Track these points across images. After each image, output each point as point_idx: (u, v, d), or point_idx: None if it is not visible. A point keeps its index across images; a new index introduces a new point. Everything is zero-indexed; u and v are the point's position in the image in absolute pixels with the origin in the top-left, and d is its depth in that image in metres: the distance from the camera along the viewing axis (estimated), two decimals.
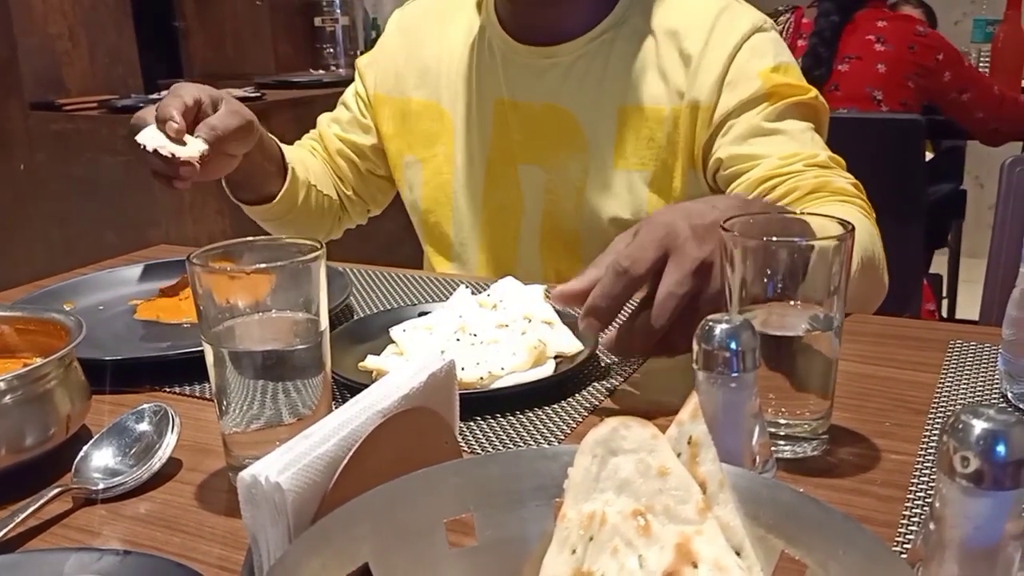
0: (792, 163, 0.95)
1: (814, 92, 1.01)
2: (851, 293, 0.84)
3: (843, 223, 0.58)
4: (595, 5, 1.05)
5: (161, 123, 0.88)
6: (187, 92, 0.92)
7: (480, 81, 1.10)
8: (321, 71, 4.90)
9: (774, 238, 0.58)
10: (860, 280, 0.84)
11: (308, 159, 1.22)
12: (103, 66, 3.51)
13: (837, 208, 0.89)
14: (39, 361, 0.58)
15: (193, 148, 0.87)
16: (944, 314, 2.73)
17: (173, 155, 0.86)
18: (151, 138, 0.87)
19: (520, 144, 1.09)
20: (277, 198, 1.12)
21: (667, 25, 1.03)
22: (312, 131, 1.29)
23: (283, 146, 1.17)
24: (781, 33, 2.26)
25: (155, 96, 3.38)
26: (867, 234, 0.88)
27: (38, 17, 3.28)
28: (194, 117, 0.91)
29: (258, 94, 3.62)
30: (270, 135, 1.13)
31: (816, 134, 1.00)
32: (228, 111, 0.93)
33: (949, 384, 0.69)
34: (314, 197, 1.19)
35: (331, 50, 5.35)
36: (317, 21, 5.34)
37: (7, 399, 0.55)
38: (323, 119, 1.28)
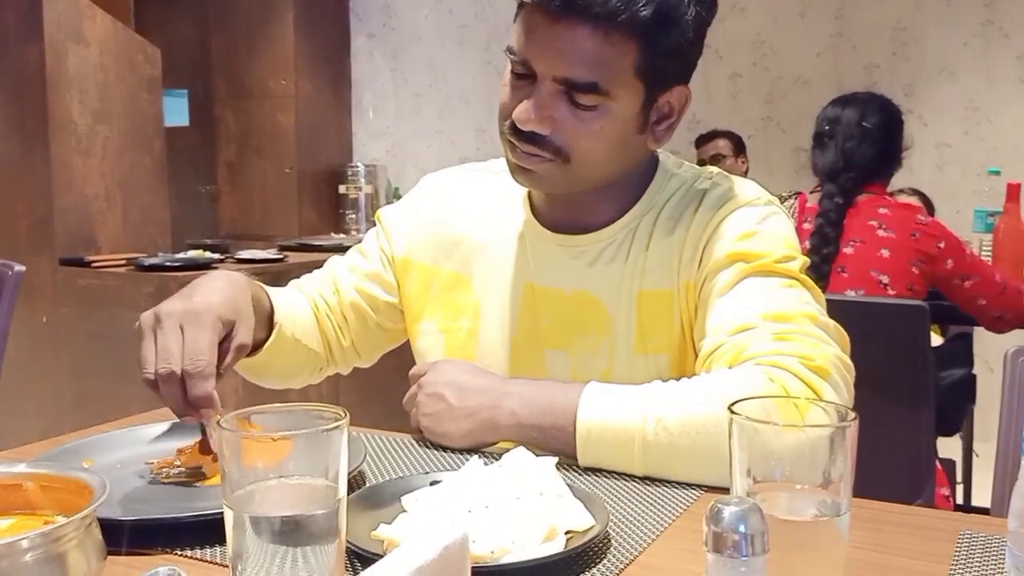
0: (717, 337, 0.97)
1: (779, 255, 1.01)
2: (668, 462, 0.89)
3: (839, 411, 0.60)
4: (625, 197, 1.10)
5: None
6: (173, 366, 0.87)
7: (510, 265, 1.14)
8: (342, 235, 5.08)
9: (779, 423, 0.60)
10: (679, 448, 0.87)
11: (297, 312, 1.18)
12: (135, 225, 3.66)
13: (697, 380, 0.93)
14: (61, 520, 0.60)
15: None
16: (960, 500, 2.68)
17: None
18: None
19: (548, 329, 1.11)
20: (257, 355, 1.10)
21: (674, 209, 1.09)
22: (318, 273, 1.26)
23: (275, 298, 1.13)
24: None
25: (181, 255, 3.50)
26: (700, 394, 0.89)
27: (77, 178, 3.44)
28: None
29: (280, 256, 3.74)
30: (260, 287, 1.10)
31: (774, 289, 0.99)
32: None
33: None
34: (300, 353, 1.18)
35: (353, 216, 5.57)
36: (341, 189, 5.59)
37: (28, 557, 0.56)
38: (338, 266, 1.25)
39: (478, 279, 1.16)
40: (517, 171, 1.05)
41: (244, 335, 0.96)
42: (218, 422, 0.58)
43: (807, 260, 1.05)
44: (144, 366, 0.88)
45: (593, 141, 1.00)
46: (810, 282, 1.03)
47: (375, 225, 1.27)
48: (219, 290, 0.96)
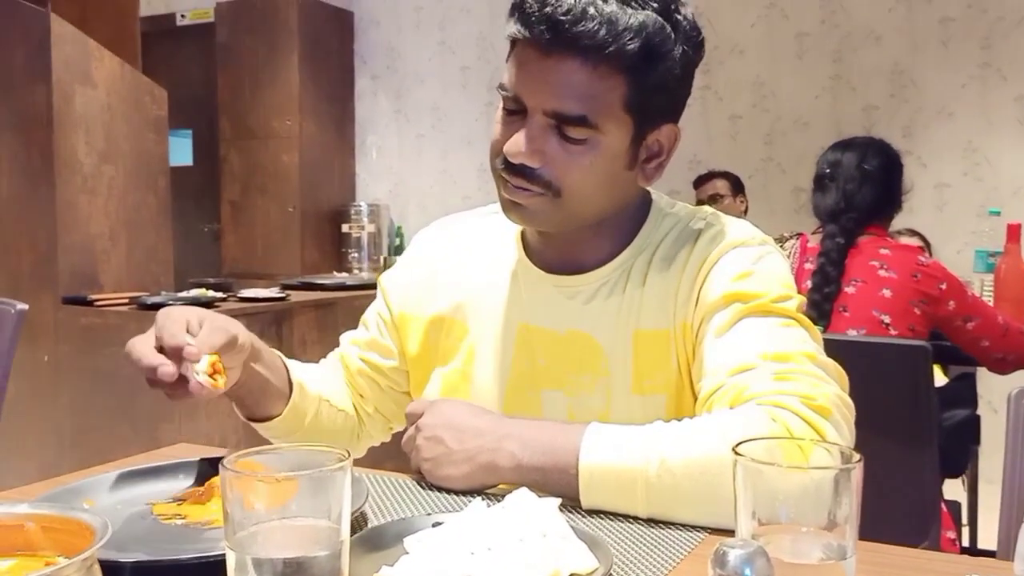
0: (717, 378, 0.97)
1: (775, 295, 1.01)
2: (672, 503, 0.88)
3: (844, 453, 0.60)
4: (618, 237, 1.11)
5: (175, 352, 0.94)
6: (177, 316, 0.98)
7: (504, 306, 1.14)
8: (345, 274, 5.09)
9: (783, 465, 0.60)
10: (682, 489, 0.87)
11: (326, 373, 1.25)
12: (138, 264, 3.67)
13: (699, 420, 0.93)
14: (62, 561, 0.59)
15: (205, 363, 0.94)
16: (966, 542, 2.65)
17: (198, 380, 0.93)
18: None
19: (544, 370, 1.11)
20: (280, 416, 1.15)
21: (669, 249, 1.09)
22: (336, 349, 1.32)
23: (293, 363, 1.20)
24: (788, 256, 2.37)
25: (183, 293, 3.51)
26: (703, 435, 0.89)
27: (82, 217, 3.46)
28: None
29: (283, 295, 3.74)
30: (275, 352, 1.16)
31: (772, 329, 0.99)
32: (211, 328, 0.98)
33: None
34: (326, 414, 1.21)
35: (356, 255, 5.59)
36: (344, 228, 5.62)
37: None
38: (344, 339, 1.30)
39: (472, 321, 1.16)
40: (509, 207, 1.06)
41: (206, 334, 0.99)
42: (222, 462, 0.58)
43: (803, 299, 1.05)
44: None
45: (583, 175, 1.01)
46: (807, 321, 1.03)
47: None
48: (199, 310, 1.04)
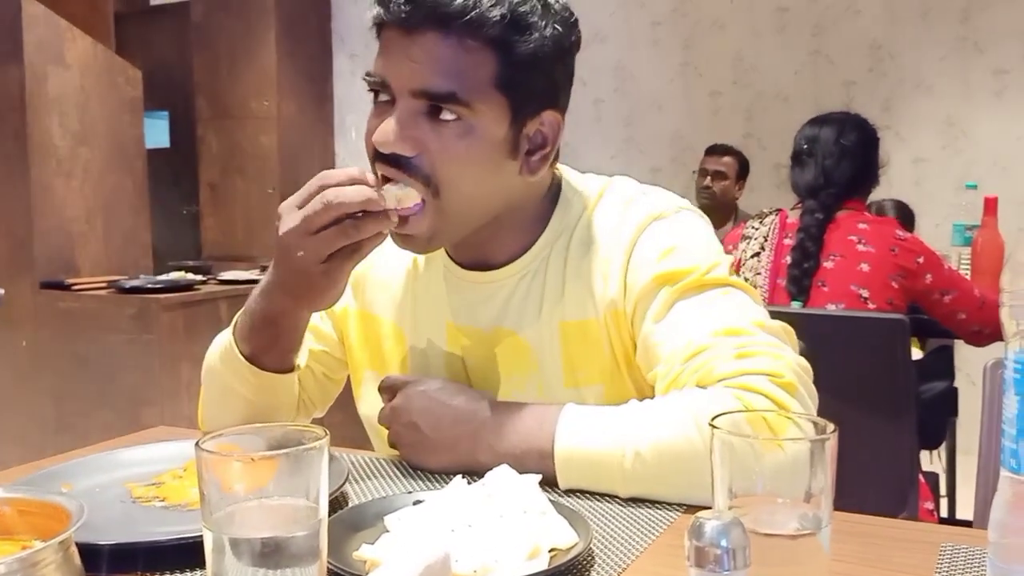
0: (672, 367, 0.95)
1: (705, 266, 0.98)
2: (649, 489, 0.88)
3: (818, 424, 0.61)
4: (527, 228, 1.06)
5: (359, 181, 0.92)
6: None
7: (430, 305, 1.11)
8: None
9: (758, 438, 0.60)
10: (658, 477, 0.86)
11: None
12: (116, 248, 3.63)
13: (671, 402, 0.91)
14: (39, 544, 0.59)
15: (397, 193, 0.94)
16: (944, 513, 2.69)
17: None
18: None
19: (474, 370, 1.08)
20: (297, 368, 1.09)
21: (585, 232, 1.05)
22: None
23: None
24: (767, 234, 2.37)
25: (163, 277, 3.48)
26: (674, 419, 0.87)
27: (58, 201, 3.42)
28: None
29: (262, 277, 3.71)
30: None
31: (714, 303, 0.97)
32: None
33: None
34: (293, 392, 1.14)
35: None
36: None
37: None
38: None
39: (406, 323, 1.13)
40: (397, 238, 0.99)
41: None
42: (197, 443, 0.57)
43: (732, 258, 1.04)
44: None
45: (461, 165, 0.95)
46: (741, 282, 1.00)
47: None
48: None
